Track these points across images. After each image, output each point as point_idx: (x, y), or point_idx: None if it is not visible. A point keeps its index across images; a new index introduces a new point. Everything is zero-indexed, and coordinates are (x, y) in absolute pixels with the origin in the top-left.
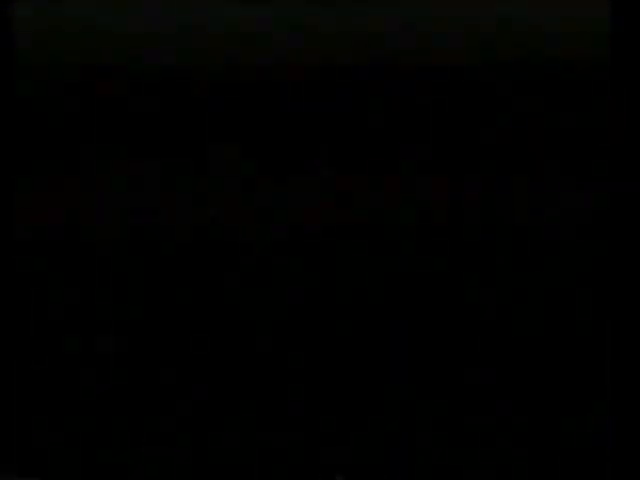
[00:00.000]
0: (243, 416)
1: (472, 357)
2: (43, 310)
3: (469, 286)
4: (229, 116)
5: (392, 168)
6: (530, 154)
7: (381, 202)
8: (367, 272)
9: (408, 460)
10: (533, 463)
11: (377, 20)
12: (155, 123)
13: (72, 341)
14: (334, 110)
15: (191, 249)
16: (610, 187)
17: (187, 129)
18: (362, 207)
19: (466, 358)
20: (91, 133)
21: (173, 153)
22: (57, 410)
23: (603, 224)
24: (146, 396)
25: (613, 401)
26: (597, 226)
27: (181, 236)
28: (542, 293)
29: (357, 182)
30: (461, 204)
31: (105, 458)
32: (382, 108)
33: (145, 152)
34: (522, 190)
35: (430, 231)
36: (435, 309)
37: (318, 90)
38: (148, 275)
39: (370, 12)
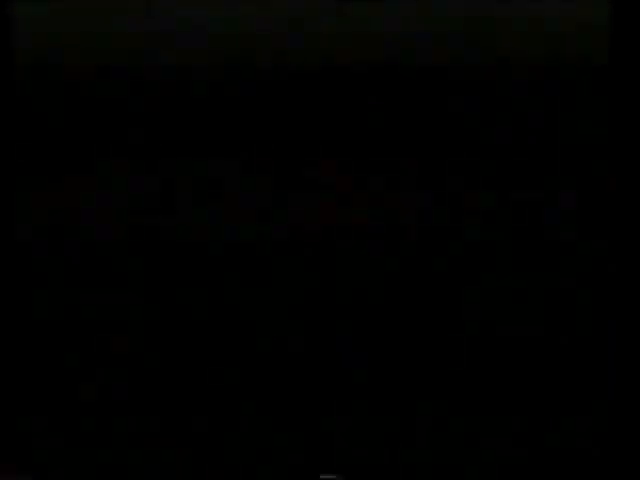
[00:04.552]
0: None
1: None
2: (43, 310)
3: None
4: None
5: None
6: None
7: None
8: None
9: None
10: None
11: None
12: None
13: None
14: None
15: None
16: (609, 186)
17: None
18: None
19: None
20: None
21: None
22: (57, 410)
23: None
24: (144, 396)
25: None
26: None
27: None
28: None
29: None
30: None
31: (104, 458)
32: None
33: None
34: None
35: None
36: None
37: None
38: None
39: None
